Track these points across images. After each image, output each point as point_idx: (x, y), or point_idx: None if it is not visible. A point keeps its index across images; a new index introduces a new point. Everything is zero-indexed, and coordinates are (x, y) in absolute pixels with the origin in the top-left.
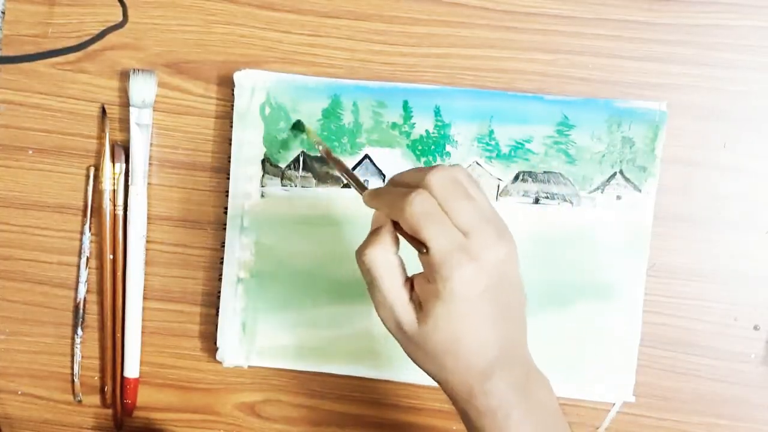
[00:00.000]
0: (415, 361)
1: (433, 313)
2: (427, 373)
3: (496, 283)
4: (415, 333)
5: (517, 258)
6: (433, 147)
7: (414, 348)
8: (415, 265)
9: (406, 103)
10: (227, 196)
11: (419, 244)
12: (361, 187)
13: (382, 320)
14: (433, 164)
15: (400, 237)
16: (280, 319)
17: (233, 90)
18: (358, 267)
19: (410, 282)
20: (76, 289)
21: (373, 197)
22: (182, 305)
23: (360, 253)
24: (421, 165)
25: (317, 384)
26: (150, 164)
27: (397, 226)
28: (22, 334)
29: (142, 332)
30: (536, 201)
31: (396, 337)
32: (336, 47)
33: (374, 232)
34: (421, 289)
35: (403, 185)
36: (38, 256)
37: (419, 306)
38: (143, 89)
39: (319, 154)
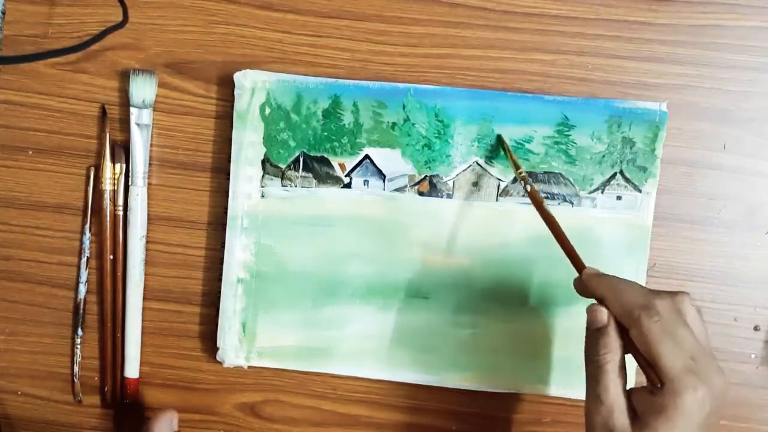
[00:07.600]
0: None
1: (653, 426)
2: None
3: (715, 411)
4: None
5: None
6: (433, 147)
7: None
8: None
9: (406, 103)
10: (227, 196)
11: (640, 356)
12: (577, 261)
13: (589, 414)
14: (658, 290)
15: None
16: (280, 319)
17: (233, 90)
18: (585, 360)
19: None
20: (76, 289)
21: (598, 284)
22: (182, 305)
23: (596, 350)
24: (422, 166)
25: (317, 384)
26: (150, 164)
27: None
28: (22, 334)
29: (142, 332)
30: None
31: None
32: (336, 47)
33: (605, 333)
34: (641, 400)
35: (628, 294)
36: (38, 256)
37: (635, 415)
38: (143, 89)
39: (320, 155)
